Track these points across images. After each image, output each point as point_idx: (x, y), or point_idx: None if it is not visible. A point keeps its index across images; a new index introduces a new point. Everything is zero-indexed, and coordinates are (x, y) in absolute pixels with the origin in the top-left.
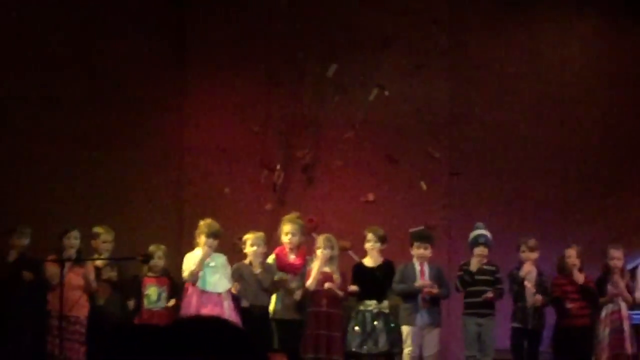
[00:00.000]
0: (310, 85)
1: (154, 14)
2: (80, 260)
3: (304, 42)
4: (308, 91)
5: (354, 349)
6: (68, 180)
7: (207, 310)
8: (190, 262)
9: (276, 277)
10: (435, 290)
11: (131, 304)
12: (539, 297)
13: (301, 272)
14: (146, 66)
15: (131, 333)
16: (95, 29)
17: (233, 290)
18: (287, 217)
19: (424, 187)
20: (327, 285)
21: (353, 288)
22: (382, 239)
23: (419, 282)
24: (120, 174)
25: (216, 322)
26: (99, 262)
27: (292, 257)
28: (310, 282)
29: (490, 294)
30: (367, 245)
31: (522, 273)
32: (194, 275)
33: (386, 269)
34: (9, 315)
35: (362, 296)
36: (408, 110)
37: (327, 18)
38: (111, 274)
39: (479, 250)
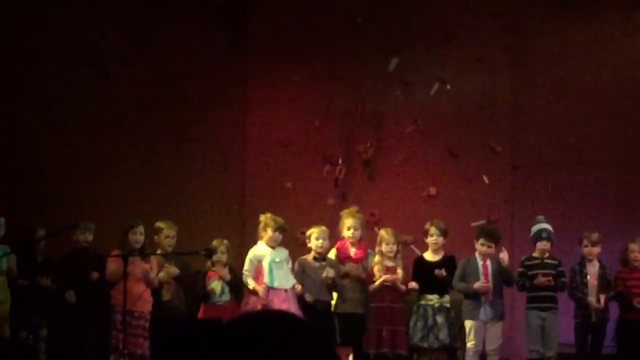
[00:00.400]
0: (372, 80)
1: (216, 8)
2: (144, 255)
3: (366, 37)
4: (369, 85)
5: (415, 343)
6: (131, 176)
7: (274, 307)
8: (252, 265)
9: (347, 268)
10: (489, 288)
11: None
12: (597, 304)
13: (363, 265)
14: (208, 61)
15: (196, 328)
16: (157, 23)
17: (297, 290)
18: (346, 211)
19: (486, 180)
20: (387, 277)
21: (413, 285)
22: (444, 233)
23: (477, 285)
24: (183, 169)
25: (284, 317)
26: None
27: (353, 251)
28: (376, 285)
29: (544, 279)
30: (429, 239)
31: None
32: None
33: (447, 264)
34: (74, 309)
35: (423, 290)
36: (469, 104)
37: (389, 12)
38: (170, 269)
39: (542, 244)
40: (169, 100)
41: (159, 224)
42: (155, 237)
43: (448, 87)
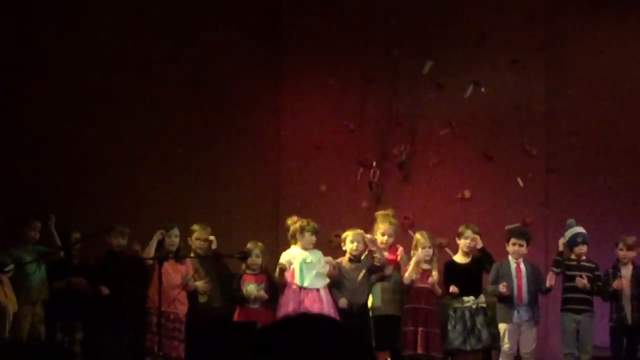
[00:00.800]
0: (406, 82)
1: (249, 11)
2: (179, 257)
3: (400, 39)
4: (404, 88)
5: (457, 347)
6: (165, 179)
7: (305, 307)
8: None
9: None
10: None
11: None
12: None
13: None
14: (242, 64)
15: (231, 330)
16: (191, 27)
17: (340, 304)
18: (382, 213)
19: (521, 184)
20: (430, 280)
21: (454, 289)
22: (478, 236)
23: (502, 287)
24: (217, 172)
25: (323, 320)
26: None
27: (385, 254)
28: (408, 275)
29: (583, 280)
30: (463, 242)
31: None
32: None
33: (477, 263)
34: (110, 312)
35: (458, 293)
36: (504, 107)
37: (423, 15)
38: (203, 285)
39: (579, 249)
40: (203, 103)
41: (193, 227)
42: (189, 239)
43: (482, 89)
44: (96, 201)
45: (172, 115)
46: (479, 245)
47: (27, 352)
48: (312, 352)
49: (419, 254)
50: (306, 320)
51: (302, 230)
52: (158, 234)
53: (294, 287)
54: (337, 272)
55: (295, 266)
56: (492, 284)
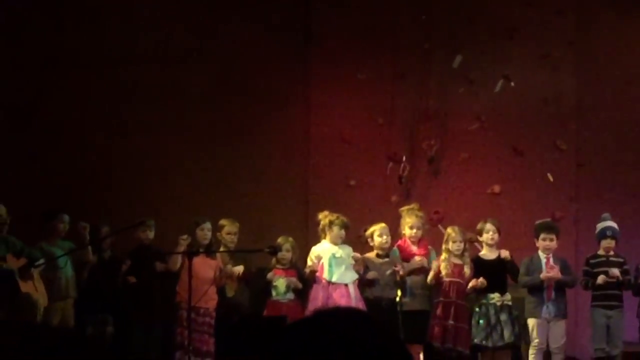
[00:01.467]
0: (436, 77)
1: (280, 5)
2: (210, 252)
3: (430, 34)
4: (433, 83)
5: (478, 342)
6: (195, 174)
7: (334, 301)
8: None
9: (412, 263)
10: (559, 276)
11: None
12: None
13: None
14: (272, 58)
15: (261, 325)
16: (220, 21)
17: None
18: (407, 208)
19: (551, 178)
20: (473, 284)
21: (482, 281)
22: (499, 230)
23: (544, 274)
24: (248, 167)
25: (356, 314)
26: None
27: (414, 249)
28: (430, 278)
29: (615, 273)
30: (486, 237)
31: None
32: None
33: (504, 261)
34: (140, 306)
35: (484, 289)
36: (534, 101)
37: (453, 9)
38: (233, 268)
39: (606, 242)
40: (233, 98)
41: (222, 222)
42: (218, 234)
43: (512, 84)
44: (126, 196)
45: (203, 110)
46: (506, 255)
47: (60, 336)
48: (345, 346)
49: (438, 262)
50: (339, 314)
51: (330, 224)
52: (182, 243)
53: (323, 281)
54: (362, 268)
55: (325, 261)
56: (523, 276)
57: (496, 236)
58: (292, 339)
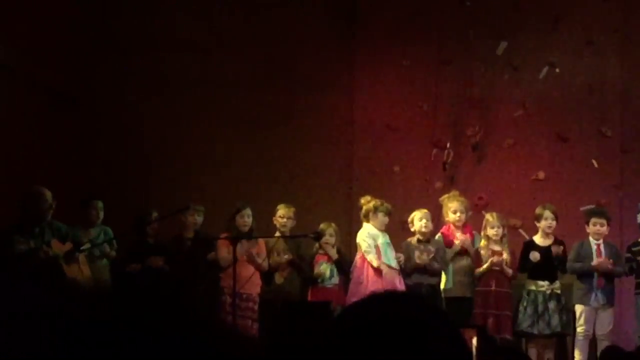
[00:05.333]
0: (480, 64)
1: None
2: (252, 237)
3: (474, 20)
4: (478, 69)
5: (524, 329)
6: (240, 160)
7: (380, 286)
8: (371, 243)
9: (456, 245)
10: (611, 267)
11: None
12: None
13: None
14: (316, 44)
15: (305, 310)
16: (264, 5)
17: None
18: (448, 195)
19: (596, 165)
20: (495, 259)
21: (535, 255)
22: (557, 217)
23: (596, 261)
24: (291, 153)
25: (410, 298)
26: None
27: (458, 235)
28: (484, 268)
29: None
30: (543, 223)
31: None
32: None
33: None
34: (184, 291)
35: (533, 276)
36: (579, 88)
37: None
38: (276, 258)
39: None
40: (276, 83)
41: (278, 206)
42: (273, 218)
43: (557, 70)
44: (174, 181)
45: (247, 96)
46: (557, 252)
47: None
48: (398, 329)
49: (487, 244)
50: (394, 298)
51: (375, 210)
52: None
53: (375, 265)
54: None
55: (380, 246)
56: (573, 262)
57: (554, 223)
58: (352, 321)
